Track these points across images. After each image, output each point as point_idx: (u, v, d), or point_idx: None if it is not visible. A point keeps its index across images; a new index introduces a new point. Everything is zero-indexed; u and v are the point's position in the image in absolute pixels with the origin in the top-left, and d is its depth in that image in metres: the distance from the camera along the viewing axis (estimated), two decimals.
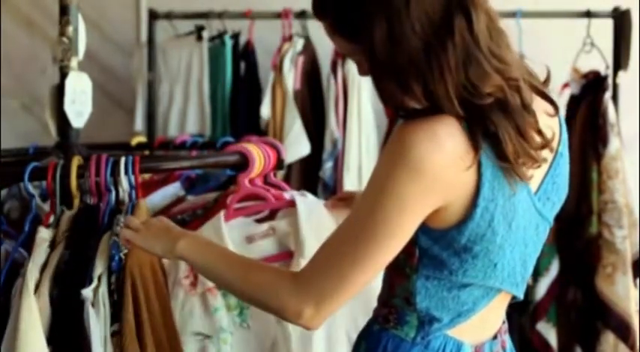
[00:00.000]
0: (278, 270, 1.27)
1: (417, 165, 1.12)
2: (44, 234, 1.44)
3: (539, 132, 1.17)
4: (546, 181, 1.25)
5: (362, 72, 1.24)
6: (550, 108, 1.23)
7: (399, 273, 1.24)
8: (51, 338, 1.34)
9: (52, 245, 1.44)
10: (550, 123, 1.23)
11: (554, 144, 1.25)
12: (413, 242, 1.19)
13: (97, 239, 1.44)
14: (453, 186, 1.14)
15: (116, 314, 1.37)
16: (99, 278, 1.38)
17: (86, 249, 1.43)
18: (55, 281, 1.38)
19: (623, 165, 2.88)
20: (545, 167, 1.24)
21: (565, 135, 1.28)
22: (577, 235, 2.93)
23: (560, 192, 1.28)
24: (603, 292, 2.85)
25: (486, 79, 1.13)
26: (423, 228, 1.18)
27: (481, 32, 1.14)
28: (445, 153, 1.12)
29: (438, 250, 1.19)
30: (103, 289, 1.37)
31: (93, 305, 1.35)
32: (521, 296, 1.29)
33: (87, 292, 1.35)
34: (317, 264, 1.19)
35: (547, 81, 1.27)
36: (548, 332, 2.97)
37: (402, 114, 1.19)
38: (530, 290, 2.95)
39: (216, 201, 1.76)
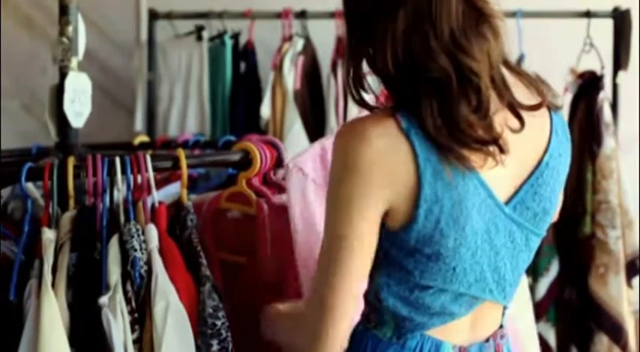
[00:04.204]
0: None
1: (351, 163, 1.13)
2: (50, 235, 1.43)
3: (487, 129, 1.13)
4: (524, 190, 1.22)
5: None
6: (515, 123, 1.17)
7: (371, 271, 1.25)
8: (71, 342, 1.34)
9: (55, 246, 1.44)
10: (532, 133, 1.20)
11: (539, 153, 1.23)
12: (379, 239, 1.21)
13: (102, 241, 1.44)
14: (392, 183, 1.14)
15: (134, 322, 1.37)
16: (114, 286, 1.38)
17: (93, 251, 1.43)
18: (68, 284, 1.38)
19: (618, 166, 2.88)
20: (523, 175, 1.22)
21: (555, 146, 1.24)
22: (573, 235, 2.94)
23: (544, 202, 1.24)
24: (596, 293, 2.85)
25: (430, 55, 1.11)
26: (383, 231, 1.19)
27: (444, 11, 1.11)
28: (372, 148, 1.12)
29: (395, 251, 1.20)
30: (120, 297, 1.36)
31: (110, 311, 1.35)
32: (502, 302, 1.28)
33: (104, 300, 1.35)
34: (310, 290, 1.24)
35: (540, 104, 1.21)
36: (548, 332, 2.97)
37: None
38: (530, 291, 2.95)
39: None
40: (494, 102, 1.14)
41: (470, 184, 1.15)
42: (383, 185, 1.13)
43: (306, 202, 1.59)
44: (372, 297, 1.26)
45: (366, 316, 1.29)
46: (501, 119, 1.15)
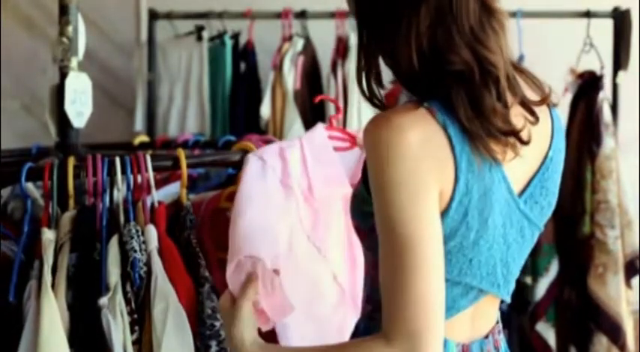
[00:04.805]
0: (368, 337, 1.19)
1: (396, 152, 1.10)
2: (49, 235, 1.43)
3: (506, 120, 1.14)
4: (533, 184, 1.24)
5: None
6: (528, 116, 1.20)
7: (378, 264, 1.21)
8: (71, 342, 1.34)
9: (55, 246, 1.44)
10: (538, 128, 1.21)
11: (544, 148, 1.25)
12: None
13: (101, 241, 1.44)
14: (437, 171, 1.12)
15: (134, 323, 1.37)
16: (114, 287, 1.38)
17: (93, 251, 1.43)
18: (67, 285, 1.38)
19: (617, 166, 2.89)
20: (532, 170, 1.24)
21: (557, 141, 1.27)
22: (572, 235, 2.94)
23: (549, 196, 1.27)
24: (595, 293, 2.85)
25: (453, 49, 1.13)
26: None
27: (464, 7, 1.14)
28: (412, 135, 1.11)
29: None
30: (120, 298, 1.36)
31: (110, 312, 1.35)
32: (505, 297, 1.28)
33: (104, 301, 1.35)
34: (384, 307, 1.13)
35: (545, 99, 1.24)
36: (547, 332, 2.97)
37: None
38: (530, 291, 2.96)
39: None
40: (508, 96, 1.17)
41: (495, 177, 1.16)
42: (431, 170, 1.12)
43: (264, 184, 1.56)
44: (379, 295, 1.25)
45: (368, 314, 1.28)
46: (518, 112, 1.18)
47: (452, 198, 1.14)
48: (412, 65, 1.15)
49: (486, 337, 1.29)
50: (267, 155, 1.60)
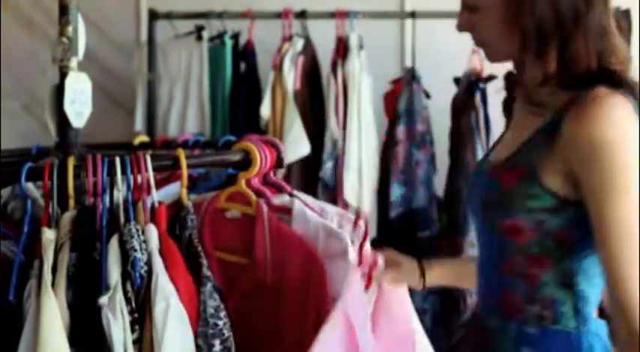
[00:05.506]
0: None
1: (627, 133, 1.20)
2: (50, 235, 1.43)
3: None
4: None
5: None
6: None
7: (543, 260, 1.28)
8: (71, 342, 1.34)
9: (55, 246, 1.44)
10: None
11: None
12: (582, 223, 1.23)
13: (102, 241, 1.44)
14: None
15: (134, 322, 1.37)
16: (114, 286, 1.37)
17: (93, 251, 1.43)
18: (67, 284, 1.38)
19: None
20: None
21: None
22: None
23: None
24: None
25: (614, 52, 1.28)
26: None
27: (611, 17, 1.30)
28: (634, 116, 1.23)
29: None
30: (120, 297, 1.36)
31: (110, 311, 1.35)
32: None
33: (104, 300, 1.34)
34: (626, 298, 1.18)
35: None
36: None
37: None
38: None
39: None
40: None
41: None
42: None
43: None
44: (550, 289, 1.29)
45: (536, 316, 1.31)
46: None
47: None
48: (590, 66, 1.27)
49: None
50: None
